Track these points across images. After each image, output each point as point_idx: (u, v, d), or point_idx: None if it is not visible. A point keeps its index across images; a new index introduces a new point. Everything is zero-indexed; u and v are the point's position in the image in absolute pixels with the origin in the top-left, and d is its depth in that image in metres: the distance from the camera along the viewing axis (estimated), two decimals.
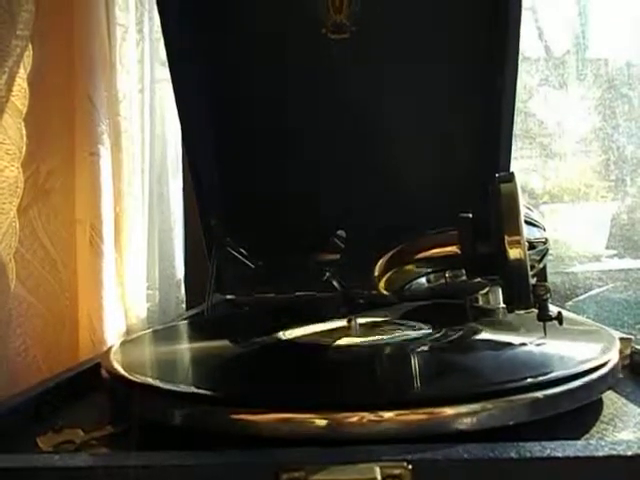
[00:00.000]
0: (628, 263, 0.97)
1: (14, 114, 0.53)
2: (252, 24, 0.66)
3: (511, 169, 0.64)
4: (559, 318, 0.42)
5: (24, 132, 0.54)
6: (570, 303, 0.93)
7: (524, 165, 0.99)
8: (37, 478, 0.29)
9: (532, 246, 0.42)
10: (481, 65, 0.63)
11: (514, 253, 0.39)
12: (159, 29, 0.66)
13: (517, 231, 0.39)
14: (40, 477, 0.28)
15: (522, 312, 0.41)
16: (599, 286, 0.95)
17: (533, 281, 0.41)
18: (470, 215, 0.44)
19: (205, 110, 0.68)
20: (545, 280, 0.45)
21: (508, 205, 0.39)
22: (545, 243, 0.44)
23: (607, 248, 0.99)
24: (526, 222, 0.41)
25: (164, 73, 0.72)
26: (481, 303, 0.60)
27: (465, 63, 0.65)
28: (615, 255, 0.99)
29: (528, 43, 0.99)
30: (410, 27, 0.64)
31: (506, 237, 0.39)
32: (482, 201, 0.43)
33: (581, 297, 0.94)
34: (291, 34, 0.65)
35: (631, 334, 0.46)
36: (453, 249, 0.44)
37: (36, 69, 0.55)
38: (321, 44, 0.64)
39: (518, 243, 0.39)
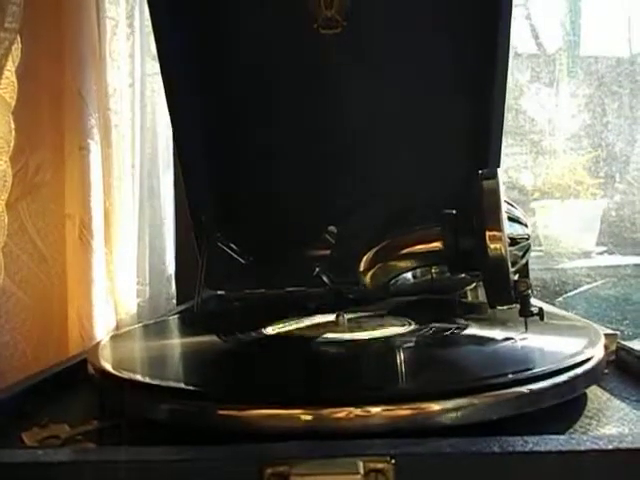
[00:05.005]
0: (617, 259, 0.98)
1: (2, 107, 0.53)
2: (243, 19, 0.66)
3: (501, 166, 0.64)
4: (540, 314, 0.42)
5: (13, 126, 0.53)
6: (560, 299, 0.94)
7: (515, 162, 0.99)
8: (21, 473, 0.28)
9: (514, 242, 0.42)
10: (472, 61, 0.63)
11: (495, 248, 0.39)
12: (150, 23, 0.66)
13: (498, 226, 0.39)
14: (24, 472, 0.28)
15: (504, 308, 0.41)
16: (588, 282, 0.96)
17: (515, 277, 0.41)
18: (453, 211, 0.45)
19: (196, 105, 0.68)
20: (527, 276, 0.45)
21: (490, 201, 0.40)
22: (527, 239, 0.44)
23: (597, 245, 1.00)
24: (509, 218, 0.42)
25: (155, 67, 0.72)
26: (470, 298, 0.61)
27: (455, 60, 0.65)
28: (605, 251, 0.99)
29: (520, 39, 1.00)
30: (401, 23, 0.64)
31: (487, 232, 0.39)
32: (469, 197, 0.43)
33: (570, 293, 0.95)
34: (282, 29, 0.65)
35: (618, 330, 0.47)
36: (437, 245, 0.44)
37: (25, 62, 0.55)
38: (312, 40, 0.64)
39: (499, 239, 0.39)
